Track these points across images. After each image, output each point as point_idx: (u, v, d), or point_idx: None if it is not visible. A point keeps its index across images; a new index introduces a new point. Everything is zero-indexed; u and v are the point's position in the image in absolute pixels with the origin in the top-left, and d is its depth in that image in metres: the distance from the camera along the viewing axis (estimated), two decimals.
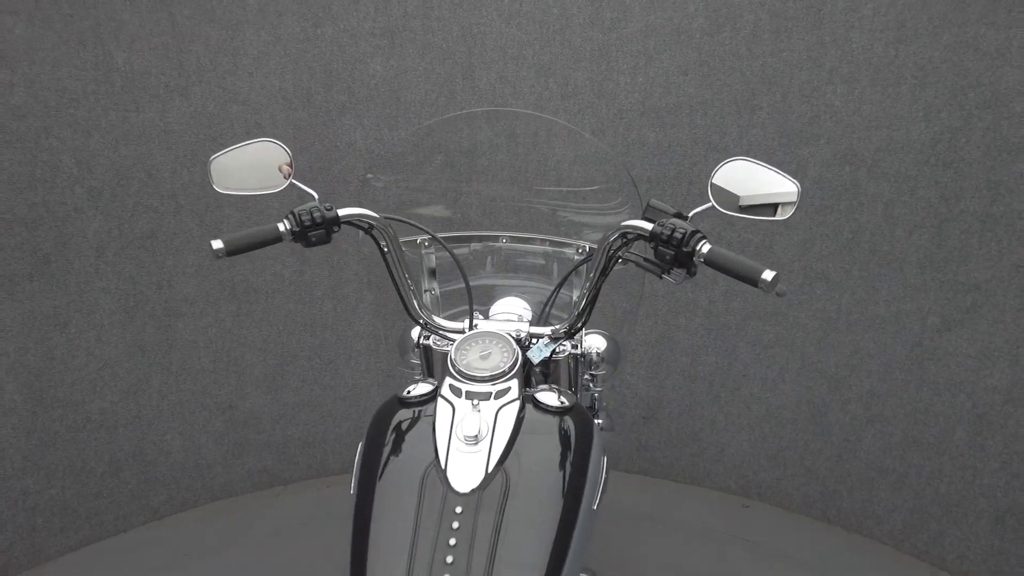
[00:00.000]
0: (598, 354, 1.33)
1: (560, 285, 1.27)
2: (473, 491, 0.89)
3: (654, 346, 2.39)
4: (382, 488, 0.92)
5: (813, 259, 2.13)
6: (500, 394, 1.02)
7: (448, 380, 1.04)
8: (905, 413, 2.06)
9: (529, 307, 1.37)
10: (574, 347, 1.25)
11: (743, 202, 1.00)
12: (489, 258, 1.43)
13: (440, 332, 1.22)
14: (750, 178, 0.99)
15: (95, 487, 2.14)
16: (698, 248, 0.97)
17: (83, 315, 2.04)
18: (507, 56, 2.23)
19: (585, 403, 1.37)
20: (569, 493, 0.92)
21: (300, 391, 2.42)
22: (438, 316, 1.24)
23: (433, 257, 1.33)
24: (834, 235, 2.08)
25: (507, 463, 0.93)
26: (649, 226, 1.00)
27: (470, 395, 1.01)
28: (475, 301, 1.27)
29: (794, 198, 1.01)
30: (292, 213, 1.05)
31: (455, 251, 1.21)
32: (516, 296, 1.42)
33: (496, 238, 1.35)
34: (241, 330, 2.30)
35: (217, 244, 1.01)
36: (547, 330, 1.20)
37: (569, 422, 1.02)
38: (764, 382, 2.29)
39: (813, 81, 2.03)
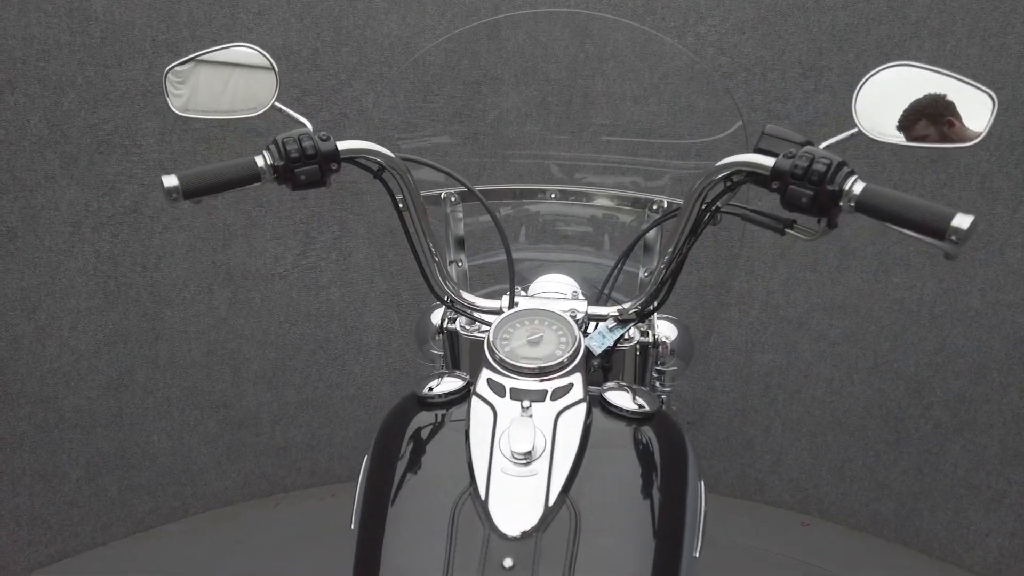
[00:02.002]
0: (667, 345, 1.06)
1: (630, 250, 0.99)
2: (528, 534, 0.63)
3: (702, 341, 2.12)
4: (395, 524, 0.66)
5: (889, 242, 1.86)
6: (559, 393, 0.75)
7: (486, 373, 0.77)
8: (1004, 421, 1.78)
9: (578, 287, 1.10)
10: (643, 334, 0.98)
11: (913, 126, 0.72)
12: (524, 226, 1.16)
13: (472, 312, 0.95)
14: (916, 92, 0.72)
15: (69, 494, 1.91)
16: (847, 187, 0.69)
17: (55, 299, 1.80)
18: (538, 13, 1.98)
19: None
20: (662, 535, 0.65)
21: (303, 389, 2.17)
22: (467, 292, 0.98)
23: (462, 218, 1.06)
24: None
25: (574, 493, 0.66)
26: (769, 161, 0.73)
27: (517, 394, 0.74)
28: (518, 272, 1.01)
29: (986, 117, 0.73)
30: (275, 142, 0.79)
31: (493, 208, 0.93)
32: (561, 273, 1.15)
33: (542, 193, 1.07)
34: (237, 320, 2.05)
35: (170, 181, 0.75)
36: (612, 310, 0.93)
37: (651, 434, 0.76)
38: (829, 383, 2.01)
39: (895, 36, 1.76)
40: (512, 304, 0.91)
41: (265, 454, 2.19)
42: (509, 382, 0.75)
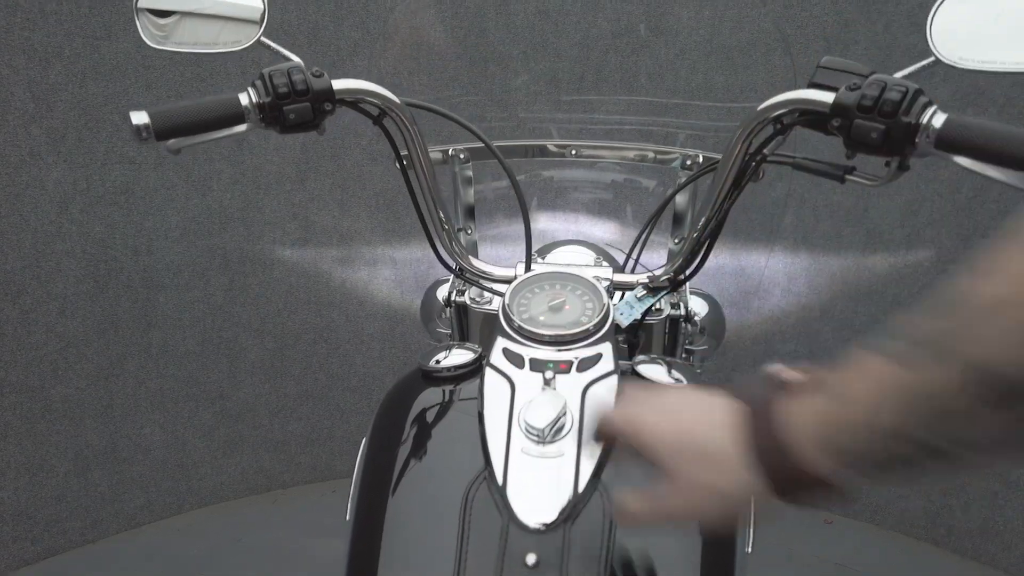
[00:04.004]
0: (696, 323, 0.96)
1: (661, 210, 0.89)
2: (554, 526, 0.54)
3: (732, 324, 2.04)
4: (396, 514, 0.57)
5: (921, 224, 1.76)
6: (586, 364, 0.65)
7: (501, 342, 0.68)
8: None
9: (600, 256, 1.01)
10: (674, 307, 0.88)
11: (997, 50, 0.63)
12: (540, 189, 1.06)
13: (483, 282, 0.86)
14: (1007, 8, 0.63)
15: (56, 489, 1.82)
16: (926, 119, 0.60)
17: (41, 284, 1.71)
18: None
19: None
20: (711, 527, 0.56)
21: (303, 380, 2.09)
22: (478, 260, 0.88)
23: (471, 179, 0.96)
24: (949, 194, 1.71)
25: (606, 477, 0.57)
26: (828, 96, 0.64)
27: (538, 364, 0.65)
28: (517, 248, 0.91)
29: None
30: (262, 76, 0.70)
31: (509, 164, 0.84)
32: (579, 243, 1.06)
33: (561, 149, 0.98)
34: (234, 307, 1.97)
35: (139, 117, 0.65)
36: (640, 277, 0.83)
37: None
38: None
39: (928, 4, 1.66)
40: (529, 268, 0.82)
41: (263, 448, 2.10)
42: (528, 351, 0.66)
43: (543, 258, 1.01)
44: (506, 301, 0.72)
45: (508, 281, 0.85)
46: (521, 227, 0.81)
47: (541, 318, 0.70)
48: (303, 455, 2.16)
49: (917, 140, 0.61)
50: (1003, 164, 0.57)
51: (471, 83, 1.94)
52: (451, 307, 0.91)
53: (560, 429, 0.59)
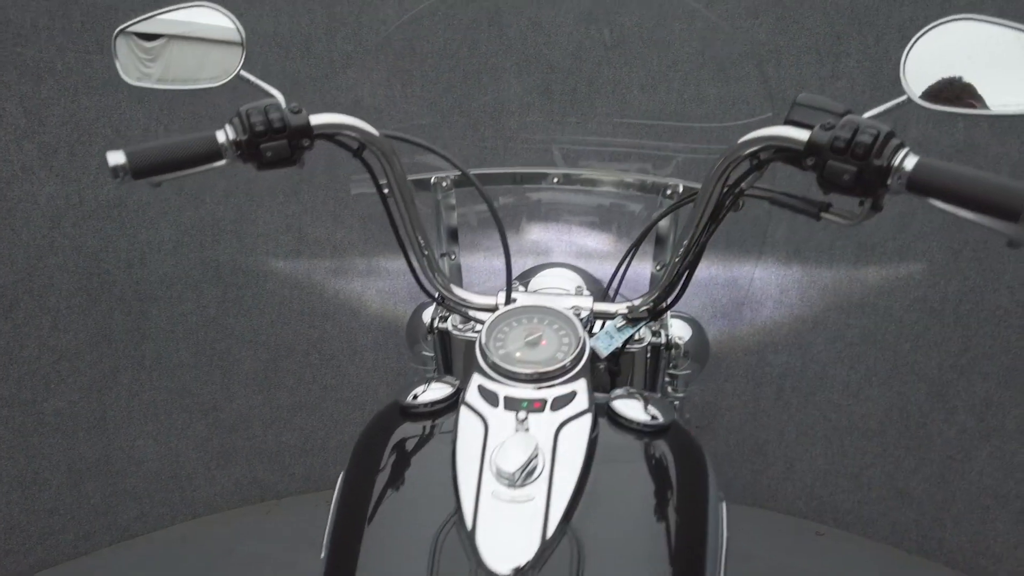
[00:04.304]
0: (680, 347, 0.97)
1: (641, 239, 0.89)
2: (522, 572, 0.54)
3: (711, 341, 2.03)
4: (369, 555, 0.57)
5: (912, 237, 1.76)
6: (560, 402, 0.65)
7: (476, 379, 0.68)
8: None
9: (583, 282, 1.01)
10: (655, 334, 0.88)
11: (969, 91, 0.63)
12: (524, 215, 1.07)
13: (464, 309, 0.86)
14: (983, 52, 0.62)
15: (49, 502, 1.82)
16: (897, 162, 0.60)
17: (34, 297, 1.72)
18: None
19: None
20: (680, 567, 0.56)
21: (296, 391, 2.09)
22: (460, 288, 0.89)
23: (455, 206, 0.97)
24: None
25: (576, 520, 0.57)
26: (803, 133, 0.64)
27: (512, 403, 0.65)
28: (517, 265, 0.91)
29: None
30: (239, 114, 0.70)
31: (489, 193, 0.84)
32: (563, 267, 1.06)
33: (544, 178, 0.98)
34: (227, 319, 1.97)
35: (116, 157, 0.66)
36: (620, 307, 0.83)
37: (665, 449, 0.66)
38: (846, 386, 1.92)
39: (919, 17, 1.66)
40: (509, 300, 0.82)
41: (257, 458, 2.11)
42: (503, 389, 0.66)
43: (529, 281, 1.01)
44: (482, 339, 0.72)
45: (489, 309, 0.85)
46: (514, 242, 0.81)
47: (517, 354, 0.70)
48: (297, 465, 2.16)
49: (889, 182, 0.61)
50: (972, 208, 0.57)
51: (464, 95, 1.94)
52: (434, 333, 0.91)
53: (532, 472, 0.59)
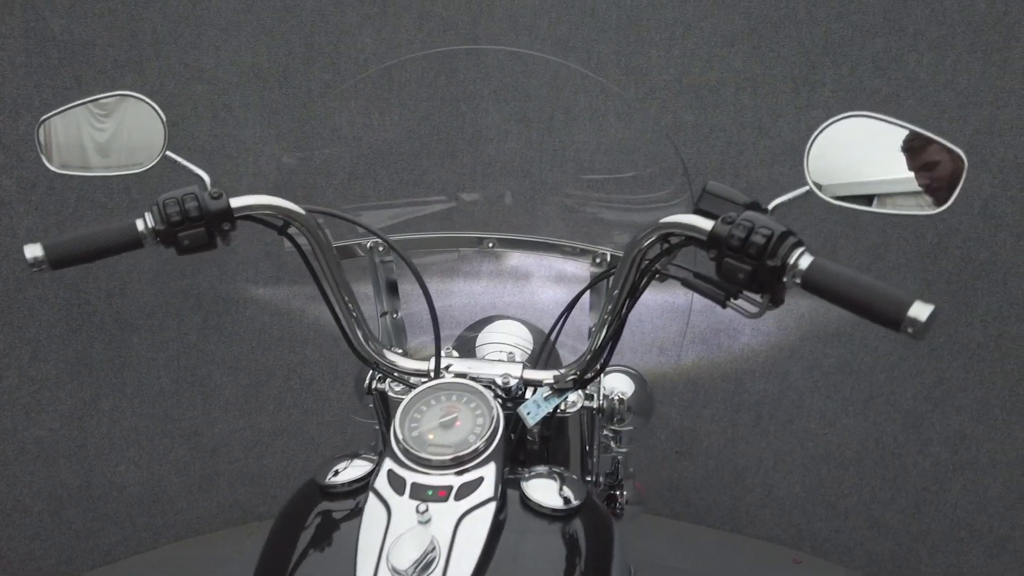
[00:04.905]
0: (622, 402, 0.97)
1: (566, 313, 0.90)
2: None
3: (690, 368, 2.02)
4: None
5: (886, 268, 1.75)
6: (465, 490, 0.66)
7: (387, 463, 0.69)
8: (1007, 461, 1.67)
9: (531, 337, 1.02)
10: (589, 398, 0.89)
11: (866, 187, 0.63)
12: (462, 273, 1.07)
13: (397, 375, 0.87)
14: (875, 147, 0.63)
15: (30, 528, 1.85)
16: (792, 261, 0.60)
17: (13, 329, 1.74)
18: (519, 26, 1.90)
19: (605, 469, 1.01)
20: None
21: (277, 416, 2.11)
22: (395, 349, 0.89)
23: (395, 267, 0.98)
24: (915, 239, 1.70)
25: None
26: (708, 224, 0.64)
27: (418, 491, 0.66)
28: (465, 316, 0.92)
29: (956, 179, 0.63)
30: (157, 203, 0.72)
31: (413, 262, 0.85)
32: (517, 320, 1.07)
33: (479, 241, 0.99)
34: (208, 345, 1.99)
35: (33, 251, 0.68)
36: (548, 375, 0.84)
37: (575, 531, 0.67)
38: (823, 415, 1.91)
39: (892, 49, 1.65)
40: (439, 369, 0.83)
41: (239, 482, 2.13)
42: (411, 476, 0.67)
43: (478, 335, 1.02)
44: (396, 421, 0.72)
45: (422, 374, 0.86)
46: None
47: (431, 436, 0.71)
48: (279, 488, 2.18)
49: (785, 279, 0.61)
50: (859, 312, 0.58)
51: (442, 123, 1.95)
52: (373, 394, 0.92)
53: (428, 566, 0.59)
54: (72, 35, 1.68)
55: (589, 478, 0.99)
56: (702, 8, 1.77)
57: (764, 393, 1.97)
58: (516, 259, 1.07)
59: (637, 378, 1.00)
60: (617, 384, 0.97)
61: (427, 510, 0.63)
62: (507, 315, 1.06)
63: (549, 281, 1.09)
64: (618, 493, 1.05)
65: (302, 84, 1.91)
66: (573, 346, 1.04)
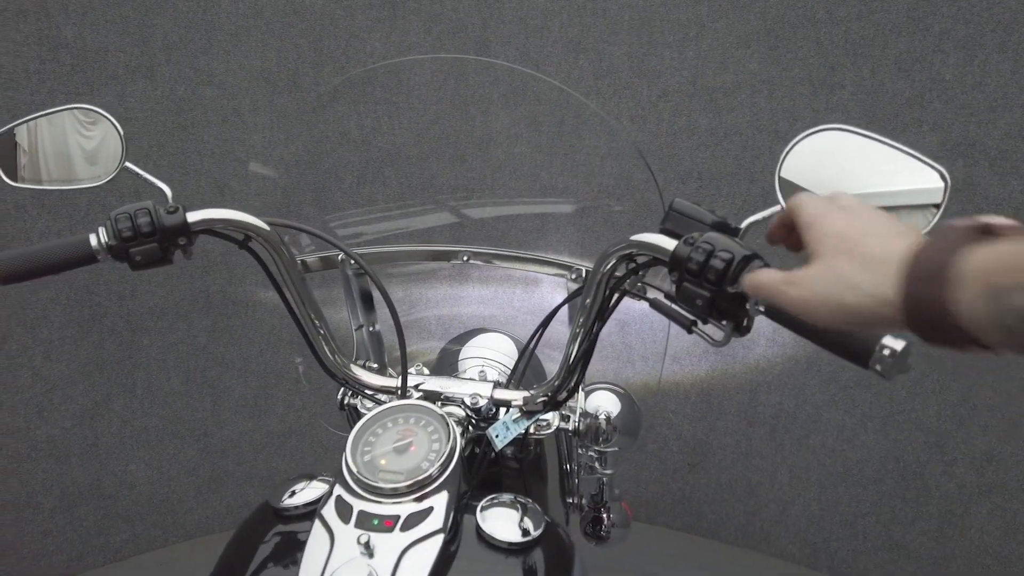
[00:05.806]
0: (607, 421, 0.93)
1: (542, 328, 0.87)
2: None
3: (704, 379, 1.97)
4: None
5: None
6: (413, 520, 0.63)
7: (337, 489, 0.67)
8: None
9: (514, 350, 0.99)
10: (564, 418, 0.85)
11: None
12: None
13: (365, 390, 0.85)
14: (852, 161, 0.58)
15: (42, 524, 1.89)
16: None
17: (26, 329, 1.78)
18: (529, 28, 1.86)
19: (590, 490, 0.97)
20: None
21: (286, 417, 2.11)
22: (370, 364, 0.87)
23: (368, 279, 0.96)
24: None
25: None
26: (671, 244, 0.60)
27: (364, 520, 0.63)
28: (449, 328, 0.89)
29: (937, 197, 0.58)
30: (110, 218, 0.71)
31: (378, 277, 0.83)
32: (503, 334, 1.04)
33: (453, 255, 0.96)
34: (217, 347, 2.01)
35: None
36: (518, 395, 0.81)
37: (535, 561, 0.64)
38: (840, 431, 1.83)
39: (916, 49, 1.57)
40: (405, 387, 0.81)
41: (247, 483, 2.14)
42: (359, 504, 0.64)
43: (462, 347, 0.99)
44: (348, 446, 0.70)
45: (390, 391, 0.84)
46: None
47: (383, 461, 0.68)
48: None
49: (748, 308, 0.56)
50: (826, 347, 0.53)
51: (450, 128, 1.93)
52: (345, 409, 0.90)
53: None
54: (85, 41, 1.71)
55: (571, 500, 0.96)
56: (717, 8, 1.71)
57: (779, 406, 1.90)
58: (505, 270, 1.04)
59: (624, 396, 0.96)
60: (602, 403, 0.93)
61: (368, 541, 0.60)
62: (493, 328, 1.03)
63: (541, 293, 1.06)
64: (604, 516, 1.01)
65: (311, 88, 1.91)
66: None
